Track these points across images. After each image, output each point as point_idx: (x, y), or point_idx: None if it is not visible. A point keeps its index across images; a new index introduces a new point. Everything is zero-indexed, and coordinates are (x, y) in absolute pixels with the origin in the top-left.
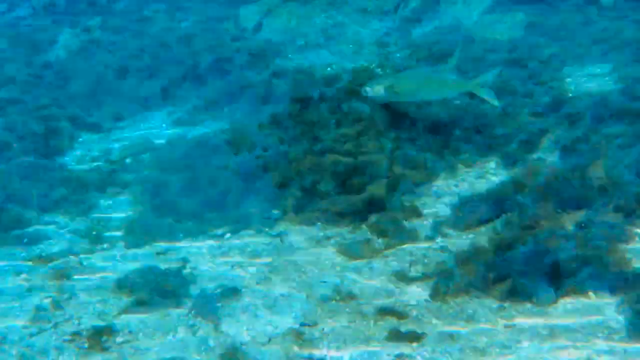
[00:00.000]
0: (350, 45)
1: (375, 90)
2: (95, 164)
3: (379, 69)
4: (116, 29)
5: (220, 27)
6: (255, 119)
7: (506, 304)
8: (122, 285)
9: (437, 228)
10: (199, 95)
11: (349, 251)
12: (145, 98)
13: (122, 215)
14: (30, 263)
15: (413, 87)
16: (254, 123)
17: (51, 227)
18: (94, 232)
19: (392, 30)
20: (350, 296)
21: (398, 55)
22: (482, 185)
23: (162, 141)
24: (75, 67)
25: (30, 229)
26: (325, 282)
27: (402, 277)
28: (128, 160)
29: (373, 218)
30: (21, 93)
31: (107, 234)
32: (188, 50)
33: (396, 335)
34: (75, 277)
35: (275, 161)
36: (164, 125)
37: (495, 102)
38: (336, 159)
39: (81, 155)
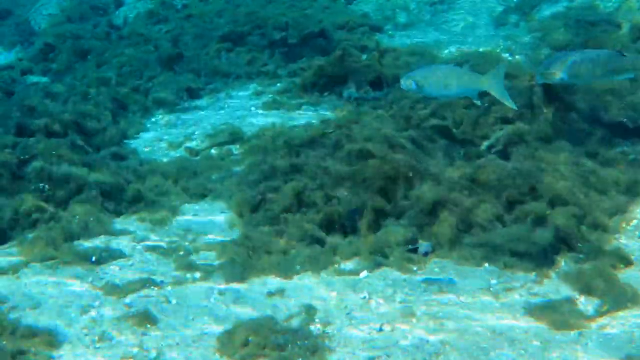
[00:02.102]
0: (462, 24)
1: (406, 82)
2: (173, 153)
3: (508, 54)
4: None
5: None
6: (369, 110)
7: None
8: (230, 343)
9: None
10: (290, 74)
11: (547, 316)
12: (226, 72)
13: (215, 226)
14: (100, 292)
15: (435, 82)
16: (369, 116)
17: (125, 239)
18: (181, 252)
19: (511, 8)
20: None
21: (527, 38)
22: None
23: (252, 128)
24: (144, 33)
25: (99, 242)
26: None
27: None
28: (214, 152)
29: (562, 263)
30: (83, 60)
31: (198, 256)
32: (273, 20)
33: None
34: (163, 322)
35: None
36: (252, 108)
37: (511, 104)
38: (499, 176)
39: (154, 139)
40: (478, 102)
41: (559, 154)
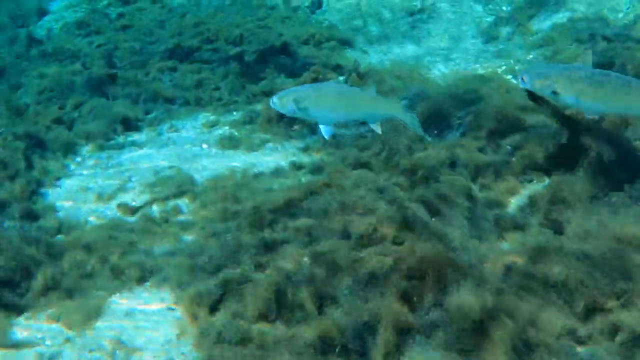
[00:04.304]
0: (445, 37)
1: (282, 102)
2: (103, 208)
3: (511, 77)
4: None
5: (266, 3)
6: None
7: None
8: None
9: None
10: (249, 99)
11: None
12: (171, 97)
13: (158, 334)
14: None
15: (325, 103)
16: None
17: (26, 358)
18: None
19: (502, 19)
20: None
21: (532, 56)
22: None
23: (205, 174)
24: (71, 48)
25: None
26: None
27: None
28: (156, 209)
29: None
30: None
31: None
32: (226, 32)
33: None
34: None
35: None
36: (204, 145)
37: (419, 131)
38: (568, 266)
39: (79, 187)
40: (378, 130)
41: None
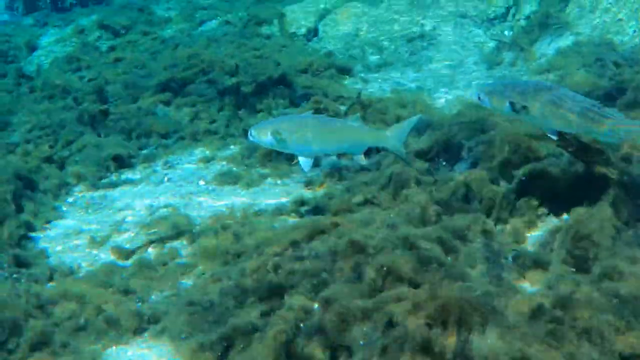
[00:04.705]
0: (447, 64)
1: (261, 134)
2: (96, 252)
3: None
4: (118, 30)
5: (261, 32)
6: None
7: None
8: None
9: None
10: (247, 130)
11: None
12: (164, 133)
13: None
14: None
15: (305, 134)
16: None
17: None
18: None
19: (504, 44)
20: None
21: None
22: None
23: (203, 213)
24: (61, 83)
25: None
26: None
27: None
28: (152, 252)
29: None
30: None
31: None
32: (221, 63)
33: None
34: None
35: None
36: (201, 182)
37: (407, 160)
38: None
39: (71, 230)
40: (363, 162)
41: None
